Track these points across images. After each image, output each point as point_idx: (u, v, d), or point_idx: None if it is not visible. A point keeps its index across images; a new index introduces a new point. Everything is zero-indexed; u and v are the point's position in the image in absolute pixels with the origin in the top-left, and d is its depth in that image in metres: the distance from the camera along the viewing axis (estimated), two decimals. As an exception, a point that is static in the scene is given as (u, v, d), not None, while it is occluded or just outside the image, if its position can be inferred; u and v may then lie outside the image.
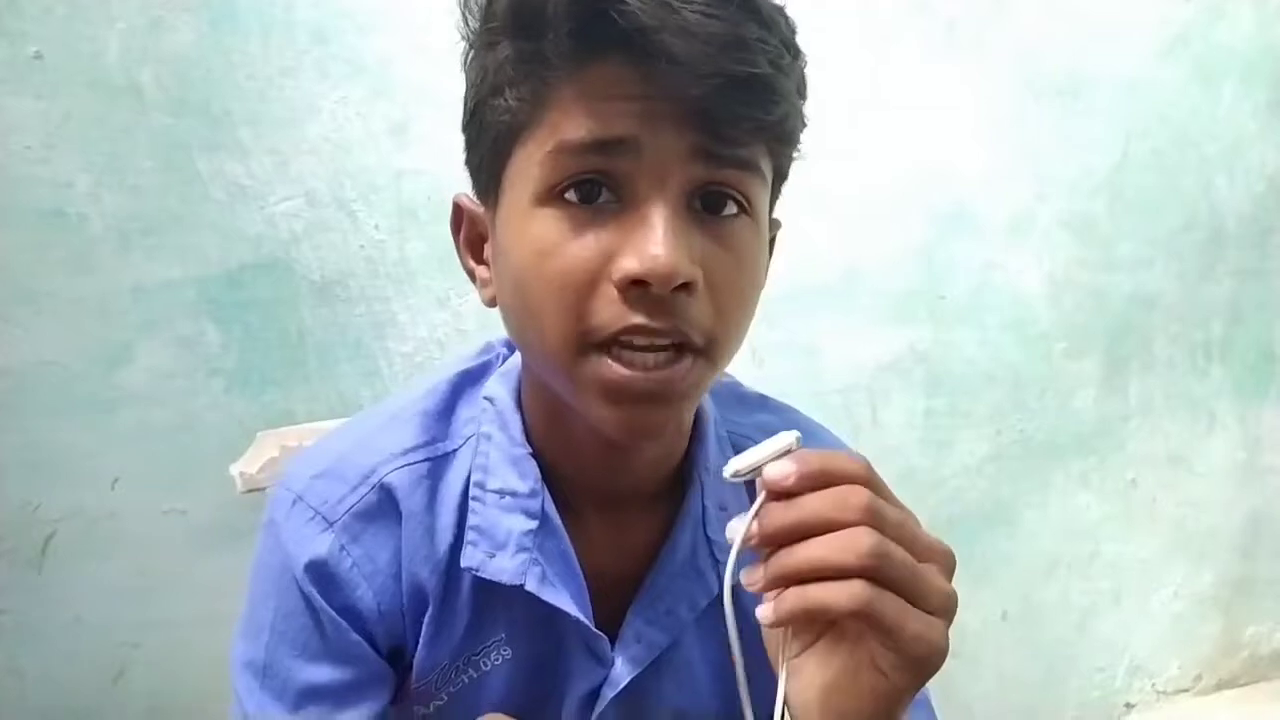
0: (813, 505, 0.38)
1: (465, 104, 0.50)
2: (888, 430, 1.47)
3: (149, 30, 1.05)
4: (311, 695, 0.53)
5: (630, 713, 0.58)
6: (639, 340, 0.44)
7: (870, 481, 0.40)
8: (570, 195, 0.44)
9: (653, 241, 0.42)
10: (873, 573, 0.37)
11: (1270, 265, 1.68)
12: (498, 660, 0.56)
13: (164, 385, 1.10)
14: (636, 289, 0.43)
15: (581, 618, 0.53)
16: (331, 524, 0.52)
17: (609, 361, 0.44)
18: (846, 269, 1.41)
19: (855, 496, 0.38)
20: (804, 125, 0.49)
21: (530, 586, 0.52)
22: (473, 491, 0.54)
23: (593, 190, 0.44)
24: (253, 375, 1.14)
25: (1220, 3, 1.56)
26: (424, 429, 0.56)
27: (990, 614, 1.57)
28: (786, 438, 0.41)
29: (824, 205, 1.34)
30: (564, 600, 0.53)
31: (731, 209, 0.46)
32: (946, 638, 0.39)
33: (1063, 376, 1.57)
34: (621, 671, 0.55)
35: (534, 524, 0.53)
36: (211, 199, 1.10)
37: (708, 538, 0.57)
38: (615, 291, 0.43)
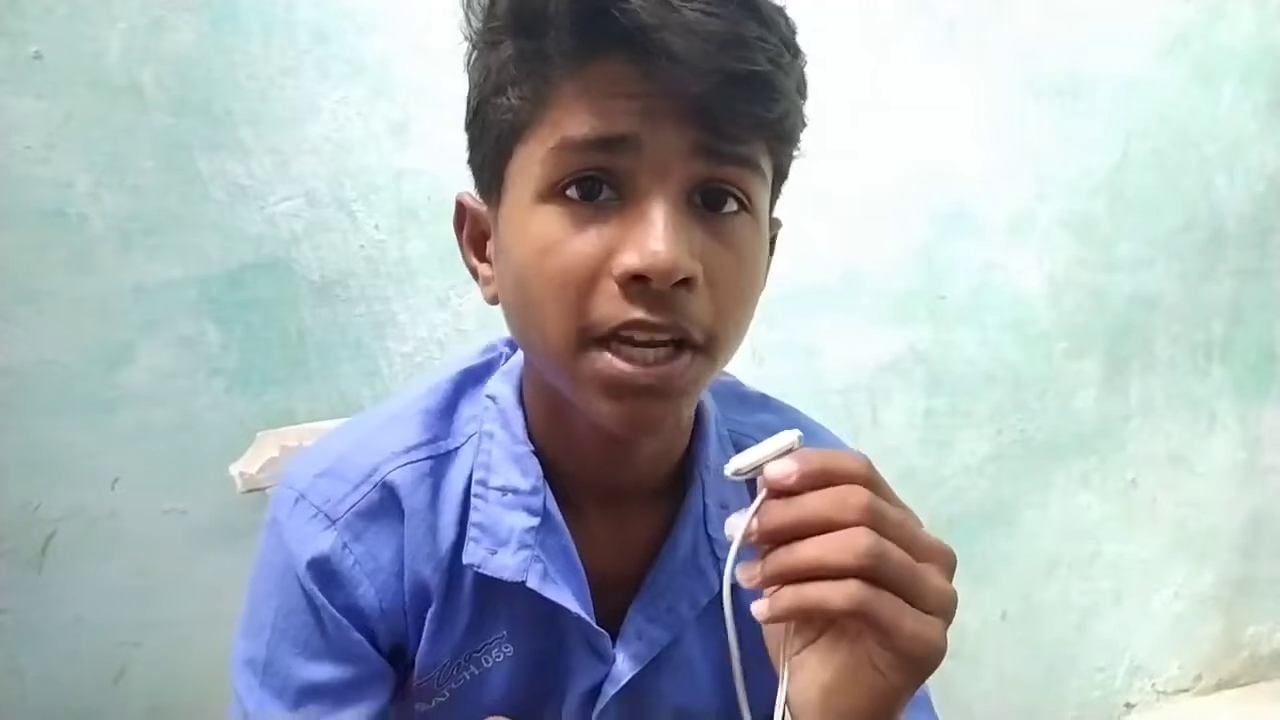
0: (812, 504, 0.39)
1: (468, 103, 0.50)
2: (888, 430, 1.47)
3: (150, 30, 1.05)
4: (312, 693, 0.53)
5: (631, 710, 0.58)
6: (639, 336, 0.44)
7: (871, 481, 0.40)
8: (572, 192, 0.44)
9: (653, 237, 0.42)
10: (869, 573, 0.37)
11: (1271, 265, 1.68)
12: (499, 657, 0.56)
13: (165, 385, 1.10)
14: (637, 284, 0.43)
15: (583, 614, 0.54)
16: (334, 522, 0.53)
17: (609, 356, 0.44)
18: (847, 269, 1.41)
19: (854, 496, 0.38)
20: (804, 124, 0.49)
21: (532, 583, 0.52)
22: (475, 489, 0.54)
23: (594, 187, 0.44)
24: (253, 375, 1.14)
25: (1220, 3, 1.56)
26: (426, 427, 0.56)
27: (990, 614, 1.57)
28: (788, 437, 0.41)
29: (824, 205, 1.34)
30: (565, 597, 0.53)
31: (732, 206, 0.46)
32: (944, 637, 0.39)
33: (1063, 376, 1.57)
34: (623, 668, 0.56)
35: (535, 521, 0.53)
36: (212, 199, 1.10)
37: (709, 535, 0.57)
38: (616, 287, 0.43)
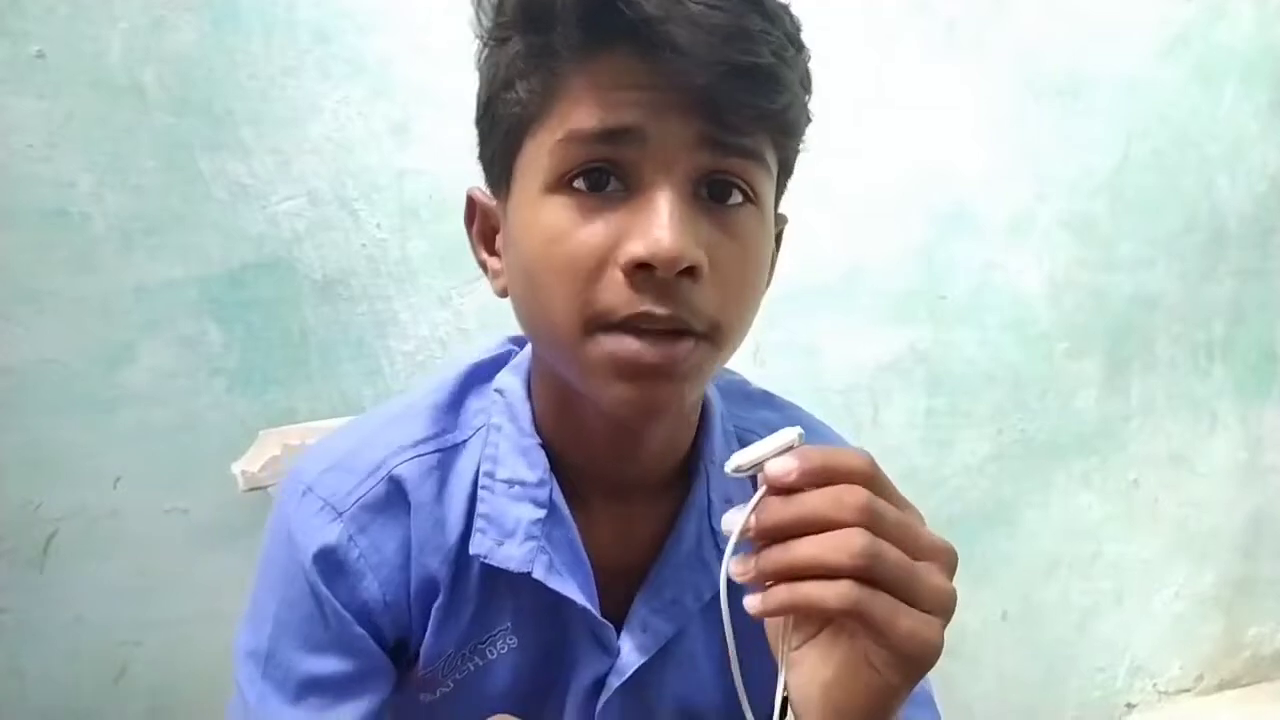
0: (809, 503, 0.39)
1: (478, 99, 0.51)
2: (889, 430, 1.47)
3: (151, 30, 1.06)
4: (313, 686, 0.53)
5: (635, 703, 0.58)
6: (644, 325, 0.45)
7: (872, 478, 0.40)
8: (579, 183, 0.45)
9: (658, 226, 0.43)
10: (863, 573, 0.37)
11: (1272, 265, 1.68)
12: (503, 649, 0.56)
13: (166, 384, 1.10)
14: (642, 273, 0.43)
15: (588, 606, 0.54)
16: (340, 514, 0.53)
17: (616, 338, 0.45)
18: (847, 269, 1.41)
19: (852, 496, 0.39)
20: (809, 119, 0.50)
21: (538, 574, 0.53)
22: (482, 480, 0.55)
23: (601, 178, 0.45)
24: (255, 374, 1.14)
25: (1220, 2, 1.56)
26: (433, 421, 0.56)
27: (991, 614, 1.57)
28: (789, 434, 0.41)
29: (827, 203, 1.34)
30: (570, 589, 0.54)
31: (737, 198, 0.47)
32: (942, 635, 0.39)
33: (1064, 376, 1.57)
34: (628, 660, 0.56)
35: (542, 513, 0.54)
36: (214, 198, 1.10)
37: (713, 529, 0.57)
38: (622, 276, 0.44)
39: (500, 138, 0.49)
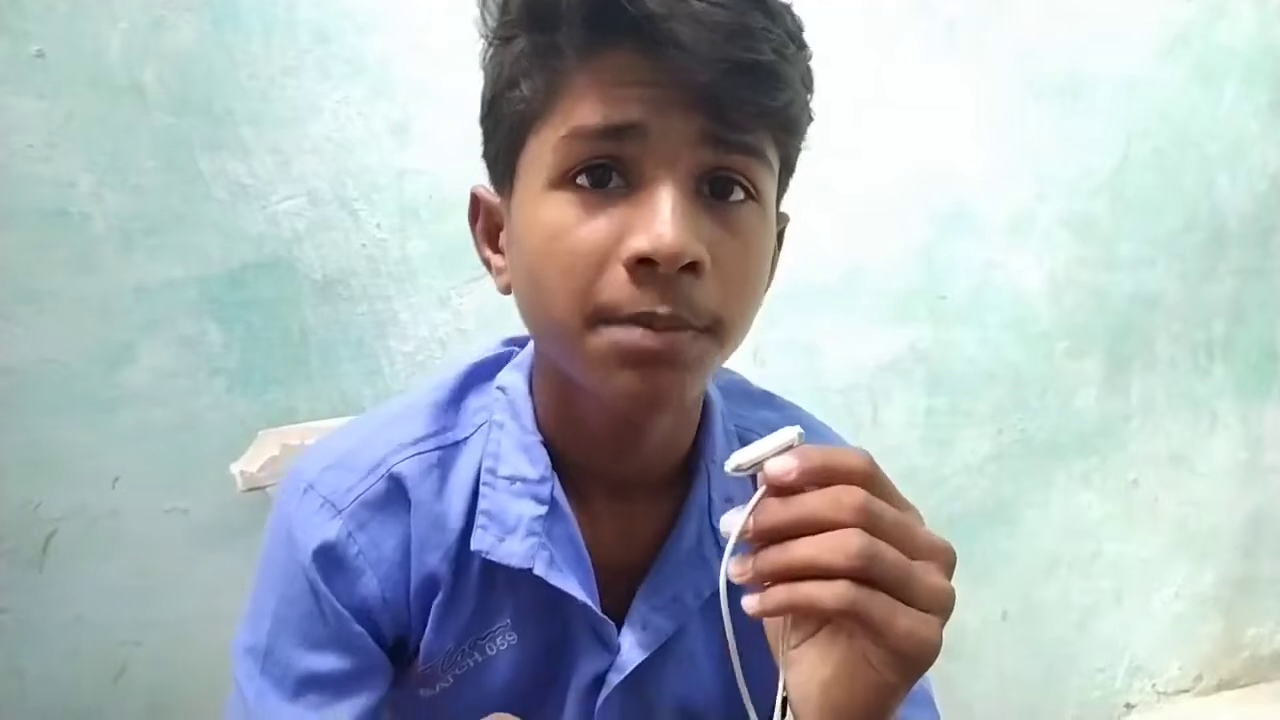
0: (807, 504, 0.39)
1: (482, 98, 0.51)
2: (889, 429, 1.47)
3: (151, 29, 1.06)
4: (311, 683, 0.53)
5: (634, 700, 0.58)
6: (646, 323, 0.45)
7: (871, 477, 0.40)
8: (582, 180, 0.46)
9: (660, 221, 0.43)
10: (861, 573, 0.37)
11: (1272, 264, 1.68)
12: (503, 645, 0.57)
13: (166, 384, 1.10)
14: (644, 268, 0.44)
15: (589, 602, 0.54)
16: (340, 511, 0.53)
17: (619, 329, 0.45)
18: (847, 268, 1.41)
19: (849, 496, 0.39)
20: (810, 118, 0.50)
21: (539, 570, 0.53)
22: (484, 477, 0.55)
23: (604, 175, 0.45)
24: (254, 374, 1.14)
25: (1220, 2, 1.56)
26: (434, 419, 0.57)
27: (990, 613, 1.57)
28: (789, 433, 0.41)
29: (827, 203, 1.34)
30: (571, 585, 0.54)
31: (739, 195, 0.47)
32: (940, 634, 0.39)
33: (1064, 376, 1.57)
34: (628, 657, 0.56)
35: (543, 510, 0.54)
36: (214, 198, 1.10)
37: (713, 528, 0.57)
38: (624, 272, 0.44)
39: (504, 135, 0.49)
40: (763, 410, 0.65)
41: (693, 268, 0.44)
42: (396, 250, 1.18)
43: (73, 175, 1.04)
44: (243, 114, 1.10)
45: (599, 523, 0.56)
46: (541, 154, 0.47)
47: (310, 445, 0.59)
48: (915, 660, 0.39)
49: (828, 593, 0.38)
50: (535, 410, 0.56)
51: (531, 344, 0.58)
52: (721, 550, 0.41)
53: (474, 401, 0.58)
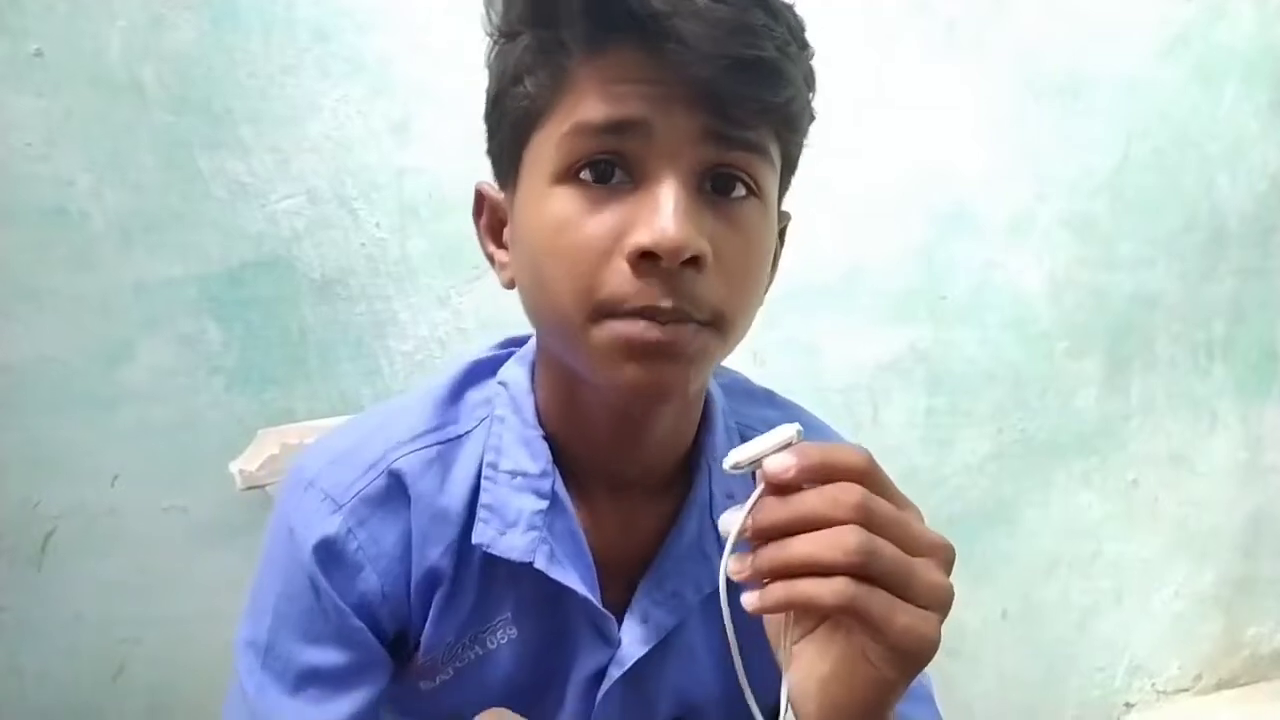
0: (805, 503, 0.39)
1: (486, 95, 0.52)
2: (889, 429, 1.47)
3: (150, 28, 1.06)
4: (312, 677, 0.54)
5: (634, 694, 0.59)
6: (649, 317, 0.45)
7: (870, 475, 0.40)
8: (585, 175, 0.46)
9: (663, 216, 0.44)
10: (858, 569, 0.38)
11: (1273, 264, 1.67)
12: (503, 639, 0.57)
13: (165, 383, 1.10)
14: (647, 262, 0.44)
15: (589, 596, 0.55)
16: (340, 506, 0.54)
17: (622, 322, 0.45)
18: (847, 268, 1.41)
19: (847, 494, 0.39)
20: (812, 116, 0.51)
21: (539, 564, 0.54)
22: (485, 471, 0.55)
23: (607, 170, 0.46)
24: (253, 373, 1.14)
25: (1220, 2, 1.55)
26: (434, 415, 0.57)
27: (990, 613, 1.57)
28: (788, 430, 0.41)
29: (827, 203, 1.34)
30: (572, 579, 0.54)
31: (740, 191, 0.48)
32: (938, 630, 0.39)
33: (1064, 376, 1.56)
34: (629, 651, 0.57)
35: (544, 504, 0.54)
36: (213, 197, 1.10)
37: (714, 524, 0.57)
38: (627, 266, 0.45)
39: (508, 131, 0.50)
40: (764, 408, 0.66)
41: (695, 262, 0.45)
42: (396, 249, 1.18)
43: (72, 173, 1.04)
44: (242, 112, 1.10)
45: (600, 518, 0.57)
46: (545, 149, 0.47)
47: (312, 442, 0.60)
48: (914, 656, 0.39)
49: (826, 589, 0.38)
50: (537, 405, 0.57)
51: (533, 340, 0.59)
52: (722, 546, 0.41)
53: (474, 396, 0.59)
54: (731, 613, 0.41)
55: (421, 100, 1.16)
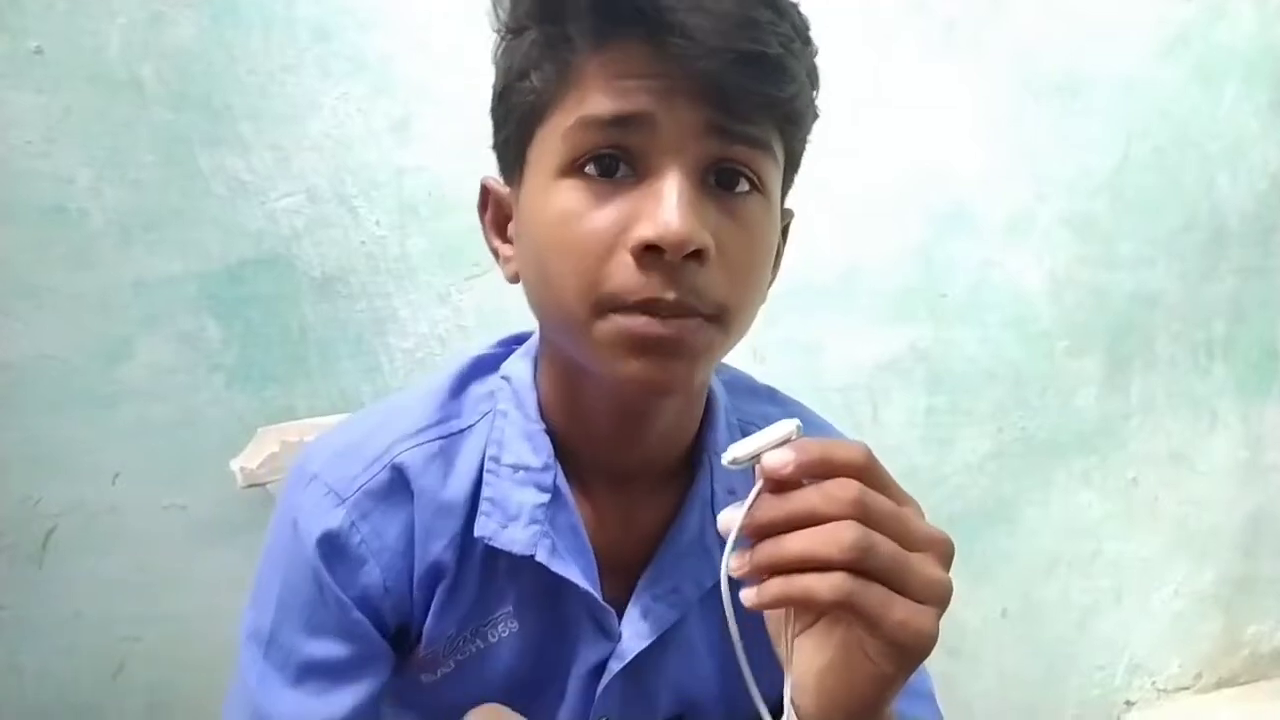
0: (802, 499, 0.39)
1: (493, 90, 0.52)
2: (889, 428, 1.47)
3: (150, 25, 1.06)
4: (313, 669, 0.54)
5: (634, 688, 0.59)
6: (652, 310, 0.46)
7: (868, 469, 0.40)
8: (590, 169, 0.47)
9: (667, 209, 0.44)
10: (855, 565, 0.38)
11: (1273, 263, 1.67)
12: (505, 632, 0.57)
13: (165, 380, 1.10)
14: (650, 255, 0.44)
15: (590, 590, 0.55)
16: (344, 500, 0.54)
17: (626, 317, 0.46)
18: (847, 268, 1.41)
19: (844, 490, 0.39)
20: (815, 114, 0.51)
21: (540, 557, 0.54)
22: (488, 465, 0.56)
23: (611, 164, 0.46)
24: (253, 371, 1.14)
25: (1220, 2, 1.55)
26: (437, 409, 0.58)
27: (990, 612, 1.57)
28: (786, 426, 0.41)
29: (827, 202, 1.34)
30: (573, 572, 0.54)
31: (744, 186, 0.48)
32: (936, 625, 0.39)
33: (1064, 375, 1.56)
34: (629, 645, 0.57)
35: (546, 498, 0.55)
36: (213, 194, 1.10)
37: (715, 520, 0.57)
38: (631, 259, 0.45)
39: (514, 125, 0.50)
40: (765, 405, 0.66)
41: (698, 255, 0.45)
42: (396, 247, 1.18)
43: (71, 171, 1.04)
44: (242, 110, 1.10)
45: (601, 512, 0.57)
46: (551, 143, 0.48)
47: (316, 437, 0.60)
48: (911, 651, 0.39)
49: (823, 584, 0.38)
50: (539, 399, 0.57)
51: (536, 334, 0.59)
52: (723, 542, 0.41)
53: (477, 391, 0.59)
54: (734, 611, 0.41)
55: (422, 99, 1.16)
